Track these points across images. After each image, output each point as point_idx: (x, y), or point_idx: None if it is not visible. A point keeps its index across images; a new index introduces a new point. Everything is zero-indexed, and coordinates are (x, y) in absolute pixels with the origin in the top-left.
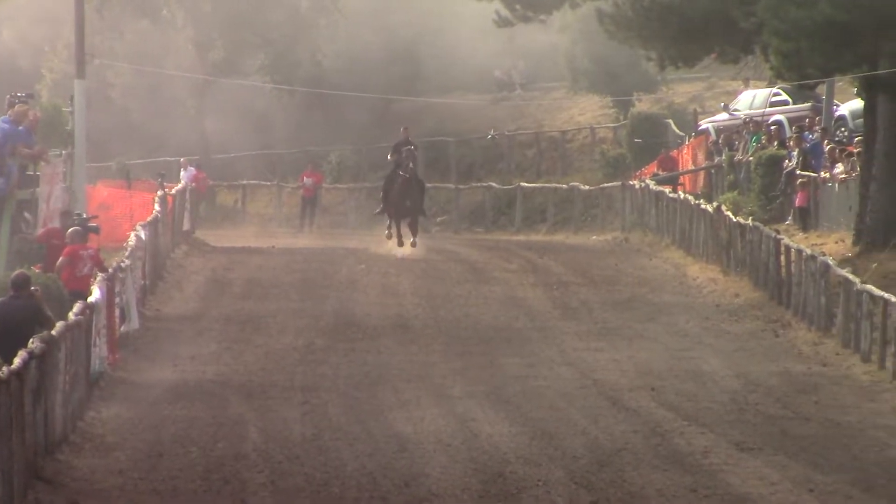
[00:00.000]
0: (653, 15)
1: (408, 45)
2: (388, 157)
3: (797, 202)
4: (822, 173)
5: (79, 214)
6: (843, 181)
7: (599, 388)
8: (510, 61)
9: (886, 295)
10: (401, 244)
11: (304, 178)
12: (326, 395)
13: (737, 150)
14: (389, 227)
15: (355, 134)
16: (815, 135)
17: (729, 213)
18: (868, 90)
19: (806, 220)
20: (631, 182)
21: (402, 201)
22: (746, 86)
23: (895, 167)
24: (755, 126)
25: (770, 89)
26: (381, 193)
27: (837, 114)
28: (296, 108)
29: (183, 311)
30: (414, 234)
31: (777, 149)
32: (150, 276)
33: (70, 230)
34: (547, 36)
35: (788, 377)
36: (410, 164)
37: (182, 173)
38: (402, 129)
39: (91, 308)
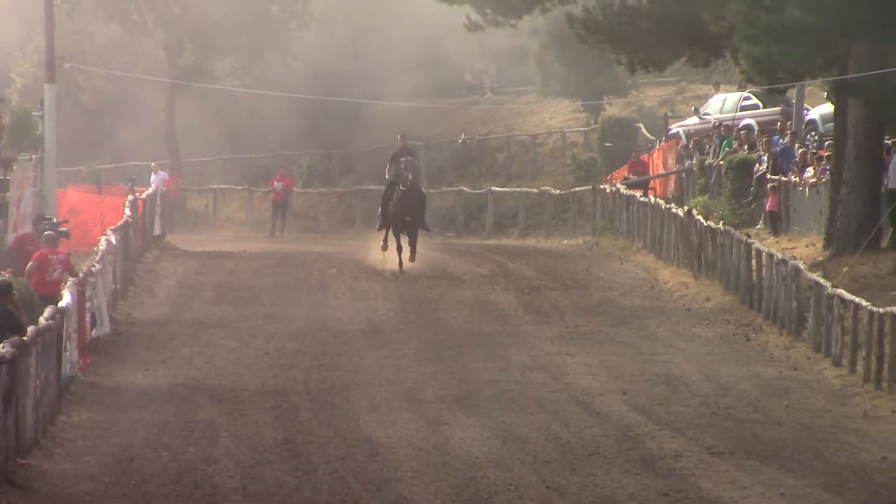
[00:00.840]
0: (623, 19)
1: (378, 49)
2: (387, 169)
3: (768, 206)
4: (793, 177)
5: (49, 219)
6: (813, 185)
7: (571, 393)
8: (481, 65)
9: (857, 299)
10: (400, 264)
11: (275, 182)
12: (297, 400)
13: (707, 154)
14: (386, 239)
15: (326, 138)
16: (786, 139)
17: (700, 218)
18: (838, 94)
19: (777, 224)
20: (602, 186)
21: (402, 216)
22: (717, 90)
23: (865, 171)
24: (726, 130)
25: (740, 93)
26: (380, 208)
27: (808, 118)
28: (266, 113)
29: (154, 315)
30: (413, 248)
31: (748, 153)
32: (120, 281)
33: (44, 234)
34: (517, 40)
35: (759, 381)
36: (409, 176)
37: (153, 178)
38: (398, 138)
39: (62, 313)
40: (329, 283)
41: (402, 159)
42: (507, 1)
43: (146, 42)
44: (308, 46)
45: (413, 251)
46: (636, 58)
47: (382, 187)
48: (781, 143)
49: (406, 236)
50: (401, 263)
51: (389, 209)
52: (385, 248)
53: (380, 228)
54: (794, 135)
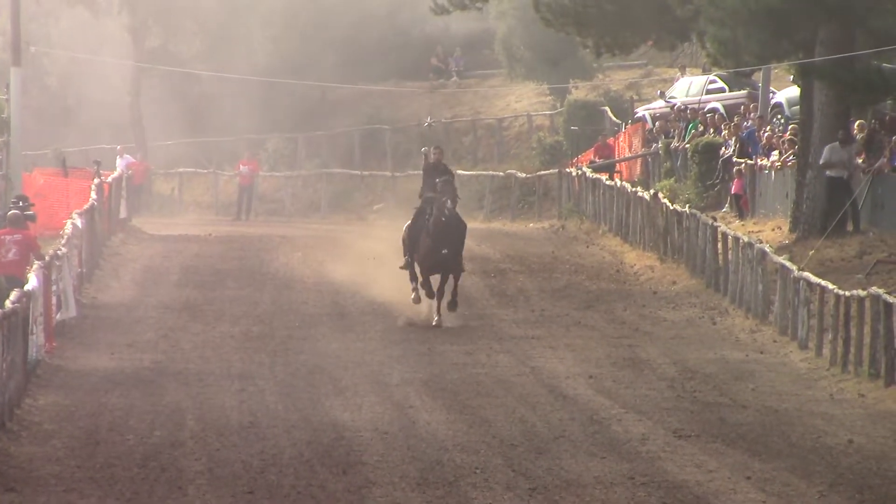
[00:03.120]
0: (589, 3)
1: (344, 32)
2: (420, 191)
3: (734, 189)
4: (759, 161)
5: (25, 199)
6: (779, 169)
7: (537, 376)
8: (447, 49)
9: (823, 282)
10: (438, 315)
11: (241, 166)
12: (263, 383)
13: (673, 137)
14: (416, 288)
15: (292, 122)
16: (752, 122)
17: (666, 201)
18: (804, 77)
19: (741, 207)
20: (568, 169)
21: (437, 249)
22: (683, 73)
23: None
24: (692, 113)
25: (706, 77)
26: (404, 239)
27: (774, 101)
28: (231, 96)
29: (120, 298)
30: (452, 291)
31: (713, 136)
32: (86, 264)
33: (8, 214)
34: (484, 23)
35: (726, 364)
36: (448, 203)
37: (118, 161)
38: (431, 151)
39: (28, 296)
40: (295, 266)
41: (439, 180)
42: None
43: (112, 25)
44: (274, 29)
45: (453, 295)
46: (602, 41)
47: (348, 171)
48: (747, 127)
49: (442, 276)
50: (438, 312)
51: (420, 238)
52: (418, 299)
53: (406, 267)
54: (761, 118)
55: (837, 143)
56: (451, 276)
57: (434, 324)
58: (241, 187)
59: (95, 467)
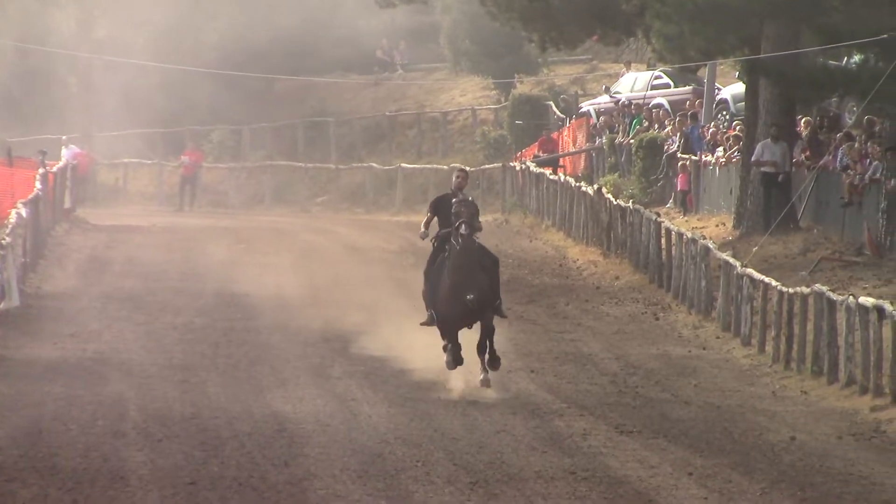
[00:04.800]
0: None
1: (290, 24)
2: (423, 223)
3: (680, 186)
4: (704, 156)
5: None
6: (723, 165)
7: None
8: (392, 42)
9: (766, 279)
10: (484, 371)
11: (183, 156)
12: (205, 374)
13: (617, 132)
14: (449, 349)
15: (237, 113)
16: (697, 118)
17: (609, 196)
18: (750, 74)
19: (687, 203)
20: (512, 164)
21: (460, 294)
22: (628, 69)
23: None
24: (636, 109)
25: (651, 72)
26: (424, 286)
27: (719, 97)
28: (177, 87)
29: (64, 288)
30: (488, 346)
31: (657, 132)
32: (30, 254)
33: None
34: (429, 17)
35: (668, 360)
36: (462, 227)
37: (63, 151)
38: (455, 175)
39: None
40: (238, 258)
41: (453, 201)
42: None
43: (59, 15)
44: (220, 21)
45: (491, 354)
46: (548, 36)
47: (292, 163)
48: (692, 123)
49: (476, 327)
50: (484, 367)
51: (441, 282)
52: (451, 364)
53: (428, 321)
54: (706, 114)
55: (770, 139)
56: (486, 326)
57: (481, 383)
58: (184, 178)
59: (38, 457)
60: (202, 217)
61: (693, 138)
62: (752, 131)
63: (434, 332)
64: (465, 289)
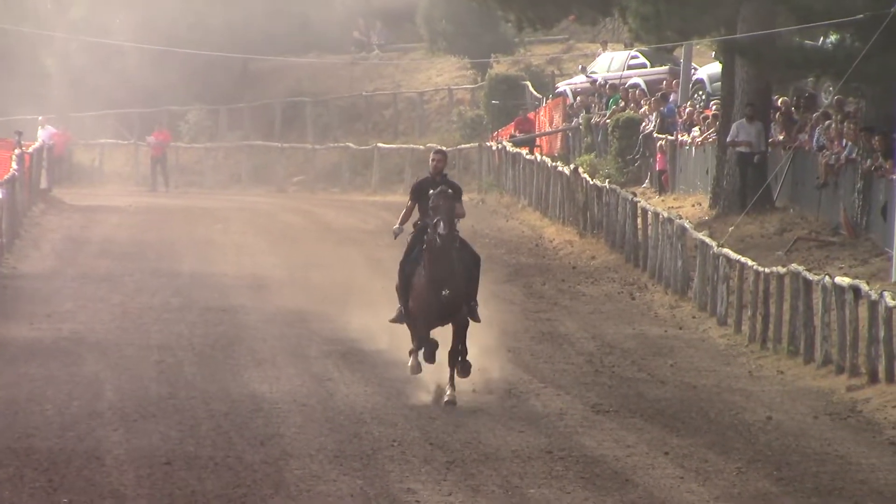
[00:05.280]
0: None
1: (267, 4)
2: (402, 213)
3: (658, 166)
4: (680, 136)
5: None
6: (700, 145)
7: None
8: (368, 22)
9: (742, 259)
10: (451, 387)
11: (149, 137)
12: (182, 354)
13: (594, 112)
14: (415, 352)
15: (214, 93)
16: (673, 98)
17: (586, 176)
18: (726, 54)
19: (663, 183)
20: (488, 143)
21: (436, 290)
22: (604, 49)
23: None
24: (612, 89)
25: (628, 52)
26: (397, 284)
27: (695, 77)
28: (154, 68)
29: (40, 269)
30: (460, 346)
31: (633, 111)
32: (6, 234)
33: None
34: None
35: (644, 340)
36: (441, 225)
37: (40, 132)
38: (431, 157)
39: None
40: (214, 238)
41: (431, 192)
42: None
43: None
44: (196, 2)
45: (462, 354)
46: (524, 16)
47: (269, 143)
48: (668, 102)
49: (451, 323)
50: (451, 383)
51: (414, 278)
52: (416, 368)
53: (397, 318)
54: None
55: (745, 119)
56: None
57: (446, 400)
58: (153, 159)
59: (13, 437)
60: (179, 197)
61: (666, 118)
62: (728, 111)
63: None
64: (442, 284)
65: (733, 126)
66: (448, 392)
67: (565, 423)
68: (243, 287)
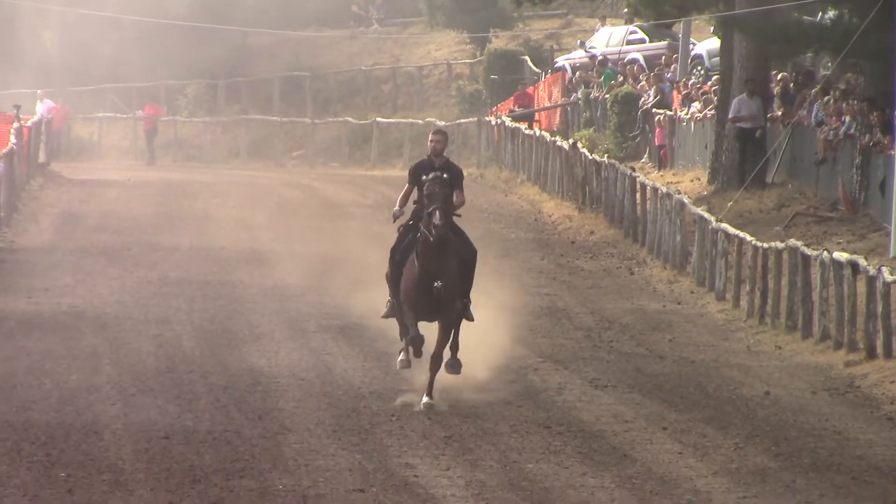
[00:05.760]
0: None
1: None
2: (399, 198)
3: (657, 141)
4: (679, 112)
5: None
6: (699, 120)
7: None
8: None
9: (741, 234)
10: (428, 396)
11: (139, 111)
12: (181, 328)
13: (593, 87)
14: (405, 347)
15: (212, 67)
16: (672, 73)
17: (584, 151)
18: (724, 29)
19: (662, 158)
20: (487, 118)
21: (428, 282)
22: (603, 24)
23: None
24: (601, 64)
25: (627, 27)
26: (388, 272)
27: (694, 52)
28: (153, 41)
29: (38, 243)
30: (451, 342)
31: (632, 86)
32: (4, 208)
33: None
34: None
35: (643, 315)
36: (437, 216)
37: (38, 105)
38: (430, 138)
39: None
40: (213, 212)
41: (424, 178)
42: None
43: None
44: None
45: (453, 351)
46: None
47: (268, 117)
48: (668, 77)
49: (440, 326)
50: (429, 391)
51: (406, 270)
52: (405, 363)
53: (388, 313)
54: (681, 69)
55: (745, 95)
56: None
57: (423, 405)
58: (147, 132)
59: (11, 411)
60: (177, 171)
61: (664, 93)
62: (727, 87)
63: None
64: (434, 276)
65: (734, 102)
66: (424, 399)
67: (563, 397)
68: (242, 261)
